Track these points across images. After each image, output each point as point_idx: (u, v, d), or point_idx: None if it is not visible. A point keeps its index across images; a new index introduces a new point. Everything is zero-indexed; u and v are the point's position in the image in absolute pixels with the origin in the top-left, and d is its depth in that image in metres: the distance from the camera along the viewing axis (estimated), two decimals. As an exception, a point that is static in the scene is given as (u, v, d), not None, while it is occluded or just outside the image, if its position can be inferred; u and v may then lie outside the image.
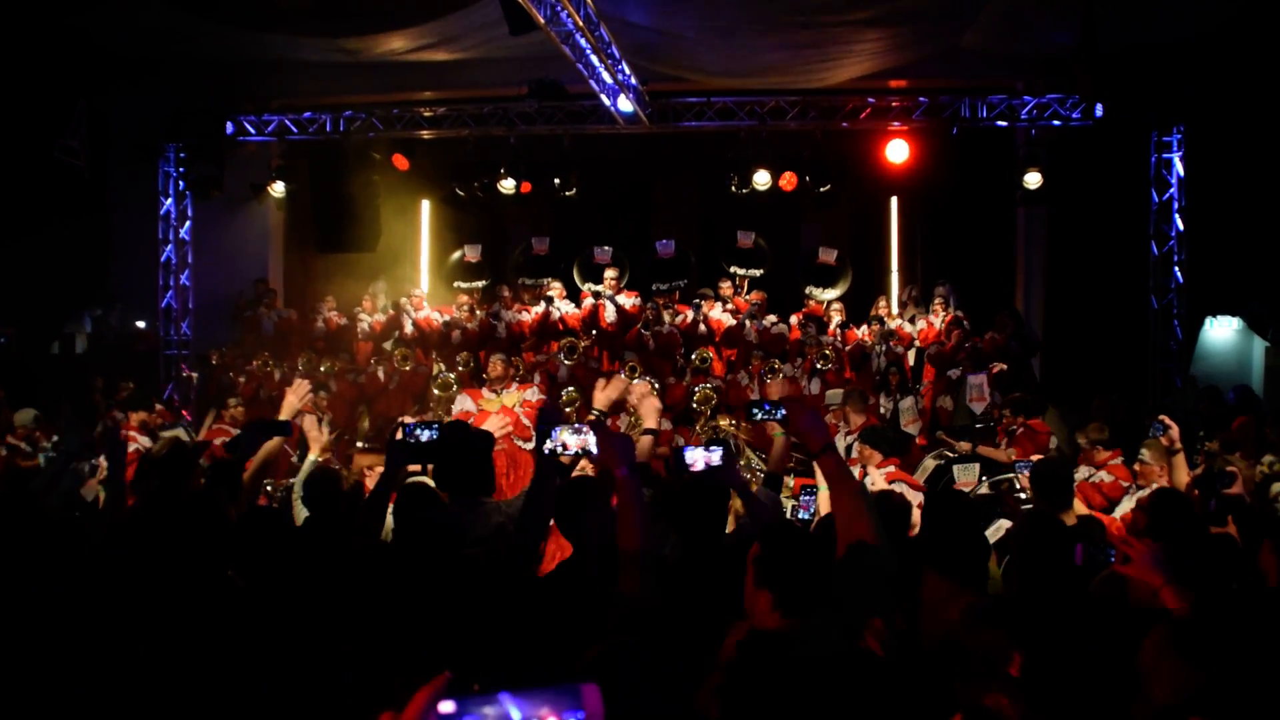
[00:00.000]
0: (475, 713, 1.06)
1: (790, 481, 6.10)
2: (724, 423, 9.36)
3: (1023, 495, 6.18)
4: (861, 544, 2.27)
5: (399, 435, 3.12)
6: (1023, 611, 2.05)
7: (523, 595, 2.66)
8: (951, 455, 8.54)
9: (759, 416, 2.74)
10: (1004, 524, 5.42)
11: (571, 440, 2.82)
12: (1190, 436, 6.85)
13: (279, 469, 7.20)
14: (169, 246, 12.01)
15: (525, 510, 3.10)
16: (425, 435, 3.10)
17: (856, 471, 6.29)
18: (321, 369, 10.36)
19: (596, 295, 11.09)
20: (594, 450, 2.81)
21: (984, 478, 7.61)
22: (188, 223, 12.10)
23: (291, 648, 2.37)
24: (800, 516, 4.27)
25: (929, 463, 8.63)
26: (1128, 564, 2.55)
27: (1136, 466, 5.64)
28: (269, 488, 6.41)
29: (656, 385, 9.52)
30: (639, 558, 2.38)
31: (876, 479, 5.82)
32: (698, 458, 3.14)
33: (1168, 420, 5.12)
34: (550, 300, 10.97)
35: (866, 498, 2.48)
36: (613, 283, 11.07)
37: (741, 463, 8.67)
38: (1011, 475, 7.43)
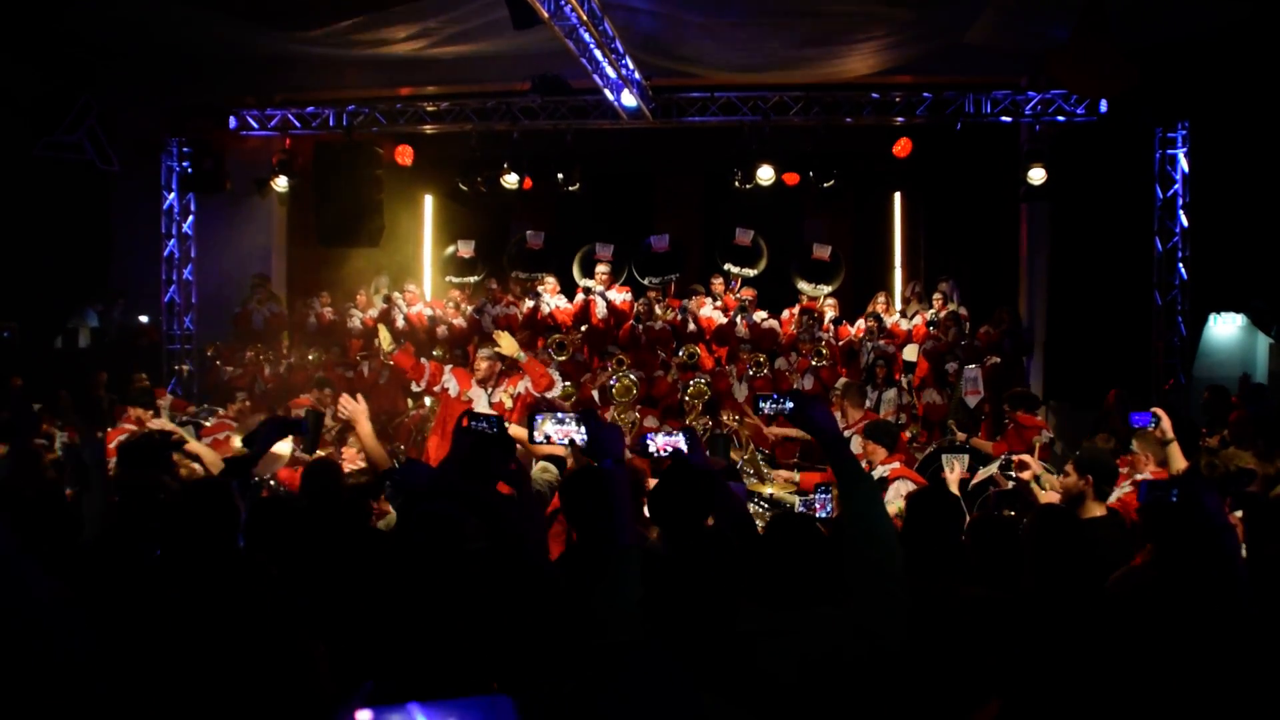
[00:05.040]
0: None
1: (796, 476, 6.10)
2: (726, 418, 9.35)
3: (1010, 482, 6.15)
4: (872, 539, 2.23)
5: (464, 423, 3.13)
6: (1039, 608, 2.03)
7: (513, 594, 2.62)
8: (947, 444, 8.57)
9: (765, 408, 2.68)
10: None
11: (554, 430, 2.76)
12: (1194, 433, 6.85)
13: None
14: (172, 241, 12.02)
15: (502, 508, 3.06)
16: (477, 426, 3.11)
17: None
18: (310, 357, 10.39)
19: (588, 291, 11.07)
20: (579, 440, 2.71)
21: (1000, 470, 7.59)
22: (190, 217, 12.11)
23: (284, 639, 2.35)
24: (819, 515, 4.13)
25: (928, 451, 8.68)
26: None
27: (1129, 457, 5.63)
28: (272, 482, 6.39)
29: (634, 379, 9.52)
30: (626, 554, 2.30)
31: (881, 475, 5.81)
32: (660, 443, 3.02)
33: (1159, 412, 5.09)
34: (539, 295, 10.95)
35: (878, 493, 2.44)
36: (604, 277, 11.04)
37: (745, 458, 8.67)
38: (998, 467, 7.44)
